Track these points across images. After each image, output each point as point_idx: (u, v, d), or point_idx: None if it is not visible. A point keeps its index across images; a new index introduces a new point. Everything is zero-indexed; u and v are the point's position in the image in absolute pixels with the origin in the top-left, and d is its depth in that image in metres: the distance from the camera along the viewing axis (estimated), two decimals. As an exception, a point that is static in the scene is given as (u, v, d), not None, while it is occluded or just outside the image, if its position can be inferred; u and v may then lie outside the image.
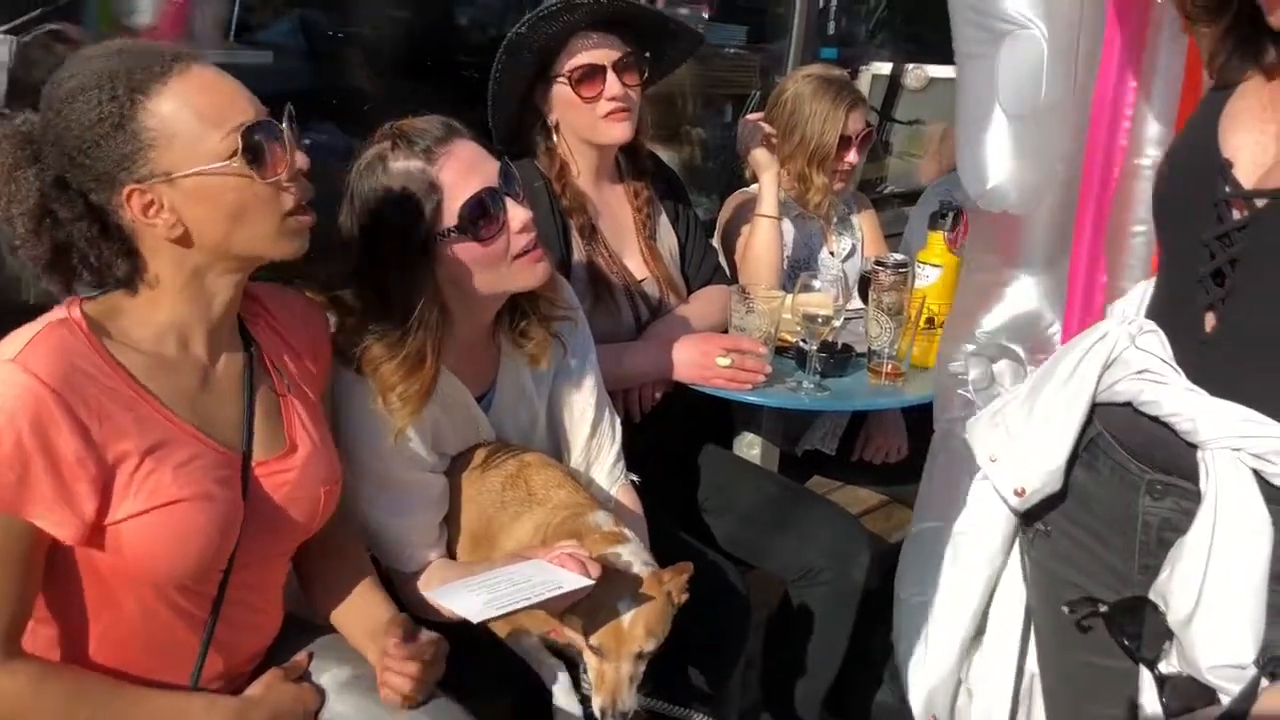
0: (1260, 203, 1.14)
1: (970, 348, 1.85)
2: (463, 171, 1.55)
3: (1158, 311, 1.30)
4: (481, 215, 1.55)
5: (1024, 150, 1.64)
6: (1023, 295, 1.83)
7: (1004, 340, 1.81)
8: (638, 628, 1.47)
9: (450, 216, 1.54)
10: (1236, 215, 1.16)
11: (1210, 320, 1.20)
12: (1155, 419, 1.23)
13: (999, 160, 1.65)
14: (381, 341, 1.54)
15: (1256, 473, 1.15)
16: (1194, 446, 1.19)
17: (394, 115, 1.61)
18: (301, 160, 1.27)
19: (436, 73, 3.17)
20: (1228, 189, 1.17)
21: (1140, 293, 1.39)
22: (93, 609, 1.30)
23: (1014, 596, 1.54)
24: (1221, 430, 1.16)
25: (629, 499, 1.89)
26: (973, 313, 1.86)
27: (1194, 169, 1.23)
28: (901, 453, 2.61)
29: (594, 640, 1.48)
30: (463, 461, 1.72)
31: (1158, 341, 1.26)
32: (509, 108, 2.16)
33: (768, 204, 2.49)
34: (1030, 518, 1.45)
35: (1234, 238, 1.16)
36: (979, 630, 1.59)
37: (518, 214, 1.59)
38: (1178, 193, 1.27)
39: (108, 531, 1.22)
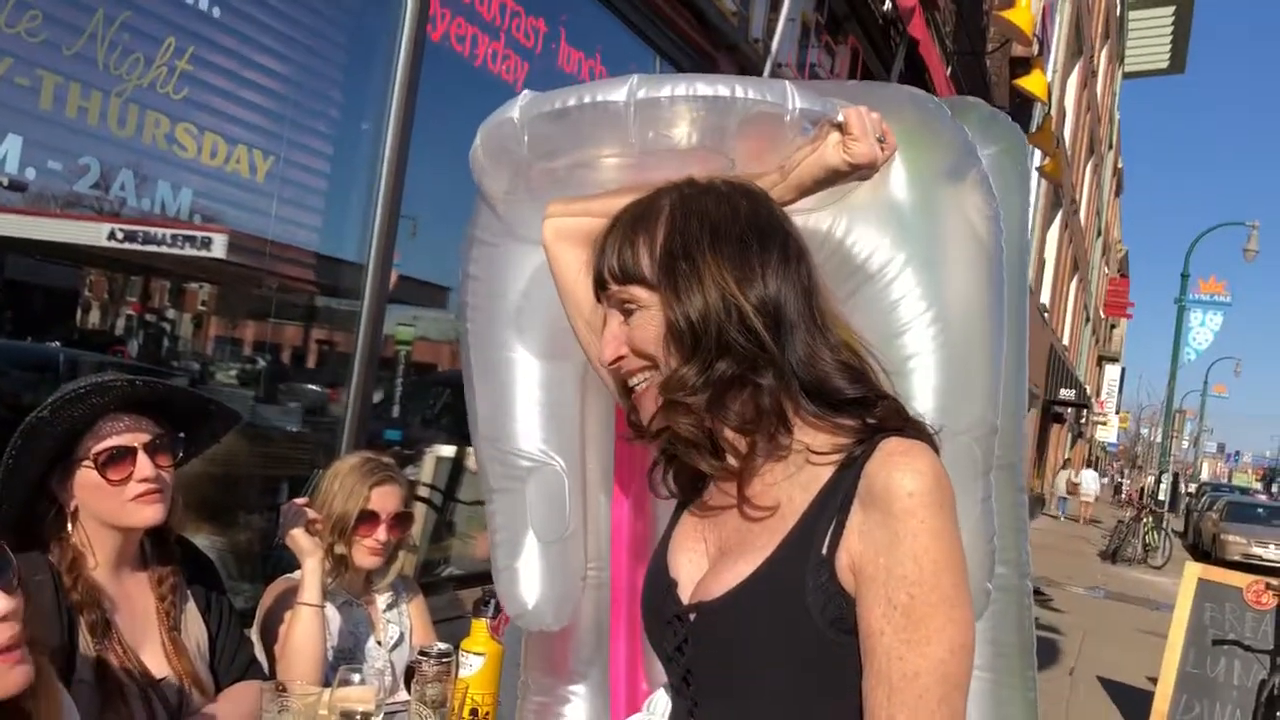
0: (692, 617, 1.29)
1: None
2: None
3: (671, 713, 1.38)
4: None
5: (556, 572, 1.79)
6: (577, 710, 1.91)
7: None
8: None
9: None
10: (683, 630, 1.30)
11: None
12: None
13: (532, 583, 1.78)
14: None
15: None
16: None
17: None
18: None
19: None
20: (673, 606, 1.32)
21: (665, 692, 1.47)
22: None
23: None
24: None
25: None
26: None
27: (655, 588, 1.39)
28: None
29: None
30: None
31: None
32: (20, 495, 1.97)
33: (310, 591, 2.40)
34: None
35: (684, 649, 1.30)
36: None
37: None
38: (648, 609, 1.41)
39: None
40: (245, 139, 3.22)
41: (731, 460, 1.29)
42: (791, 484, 1.26)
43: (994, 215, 1.56)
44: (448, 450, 5.21)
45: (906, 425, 1.25)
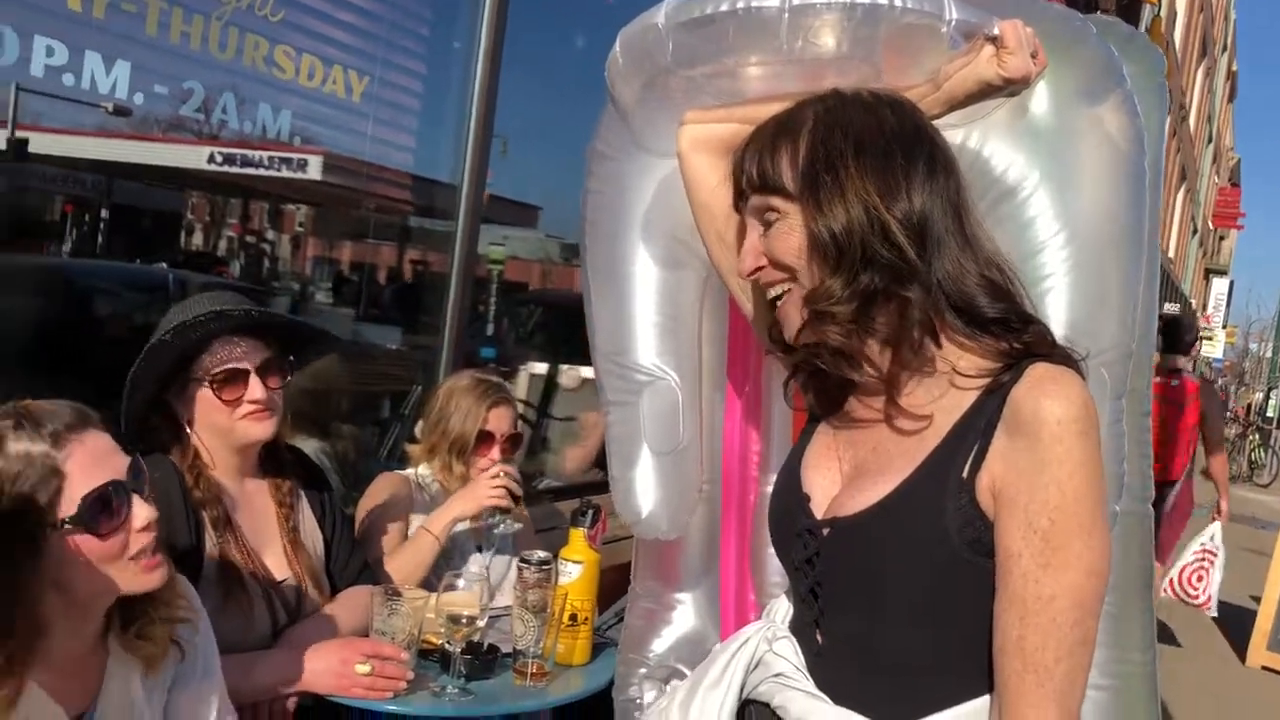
0: (825, 531, 1.30)
1: (643, 671, 1.94)
2: (89, 461, 1.45)
3: (792, 621, 1.41)
4: (103, 509, 1.45)
5: (670, 482, 1.83)
6: (685, 616, 1.96)
7: (673, 661, 1.90)
8: None
9: (69, 506, 1.42)
10: (814, 543, 1.31)
11: (818, 634, 1.33)
12: None
13: (648, 493, 1.82)
14: None
15: None
16: None
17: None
18: None
19: (65, 364, 3.01)
20: (806, 520, 1.33)
21: (787, 600, 1.50)
22: None
23: None
24: (833, 736, 1.25)
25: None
26: (644, 638, 1.97)
27: (786, 500, 1.40)
28: (552, 754, 2.57)
29: None
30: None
31: (791, 648, 1.36)
32: (141, 406, 2.08)
33: (438, 525, 2.53)
34: None
35: (814, 562, 1.31)
36: None
37: (142, 512, 1.50)
38: (777, 521, 1.43)
39: None
40: (341, 60, 3.25)
41: (873, 374, 1.29)
42: (935, 407, 1.26)
43: (1137, 137, 1.52)
44: (540, 367, 5.29)
45: (1054, 351, 1.24)
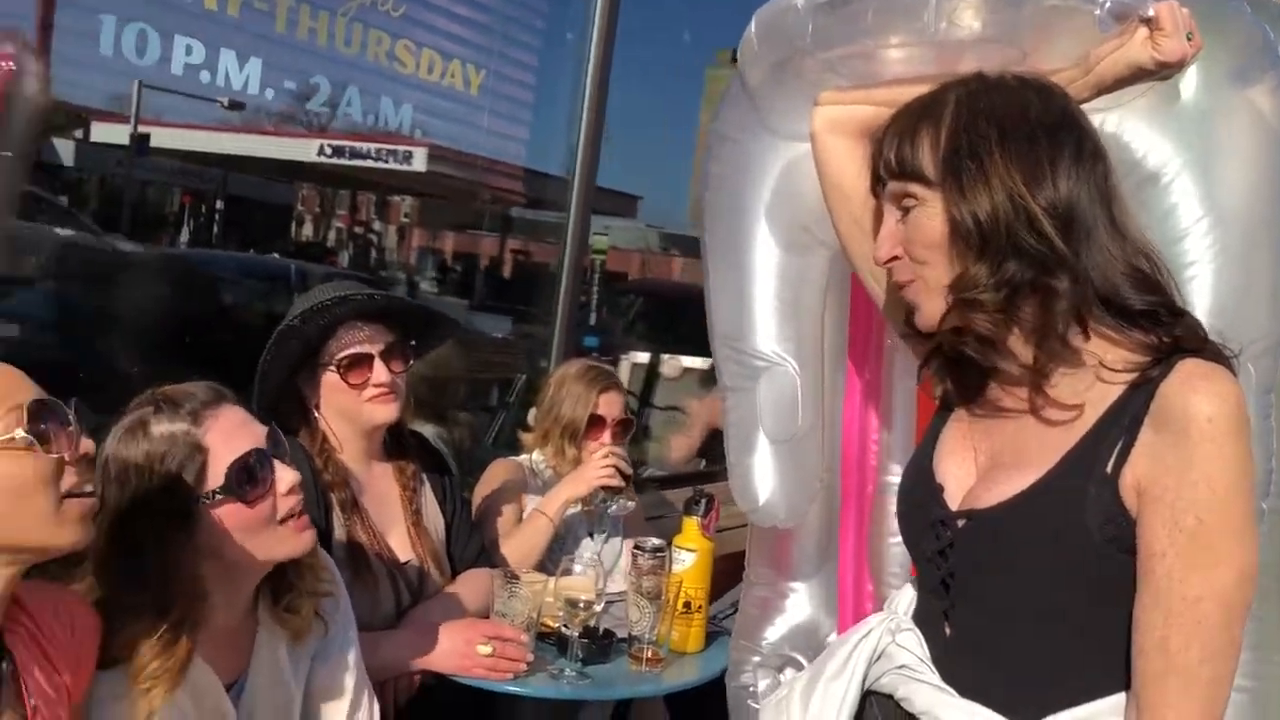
0: (961, 523, 1.29)
1: (757, 659, 1.93)
2: (229, 433, 1.52)
3: (916, 612, 1.40)
4: (248, 477, 1.52)
5: (788, 471, 1.82)
6: (799, 605, 1.95)
7: (787, 649, 1.90)
8: None
9: (215, 478, 1.50)
10: (948, 535, 1.30)
11: (946, 626, 1.32)
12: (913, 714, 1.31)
13: (766, 481, 1.81)
14: (137, 622, 1.43)
15: None
16: None
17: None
18: (87, 445, 1.22)
19: (198, 351, 3.14)
20: (940, 511, 1.32)
21: (909, 591, 1.48)
22: None
23: None
24: (960, 730, 1.24)
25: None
26: (757, 625, 1.96)
27: (917, 491, 1.38)
28: (665, 740, 2.60)
29: None
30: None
31: (915, 640, 1.34)
32: (273, 391, 2.16)
33: (552, 507, 2.57)
34: None
35: (947, 554, 1.30)
36: None
37: (285, 476, 1.56)
38: (908, 512, 1.41)
39: None
40: (459, 53, 3.32)
41: (1015, 367, 1.26)
42: (1079, 399, 1.23)
43: None
44: (642, 356, 5.33)
45: (1205, 347, 1.20)
